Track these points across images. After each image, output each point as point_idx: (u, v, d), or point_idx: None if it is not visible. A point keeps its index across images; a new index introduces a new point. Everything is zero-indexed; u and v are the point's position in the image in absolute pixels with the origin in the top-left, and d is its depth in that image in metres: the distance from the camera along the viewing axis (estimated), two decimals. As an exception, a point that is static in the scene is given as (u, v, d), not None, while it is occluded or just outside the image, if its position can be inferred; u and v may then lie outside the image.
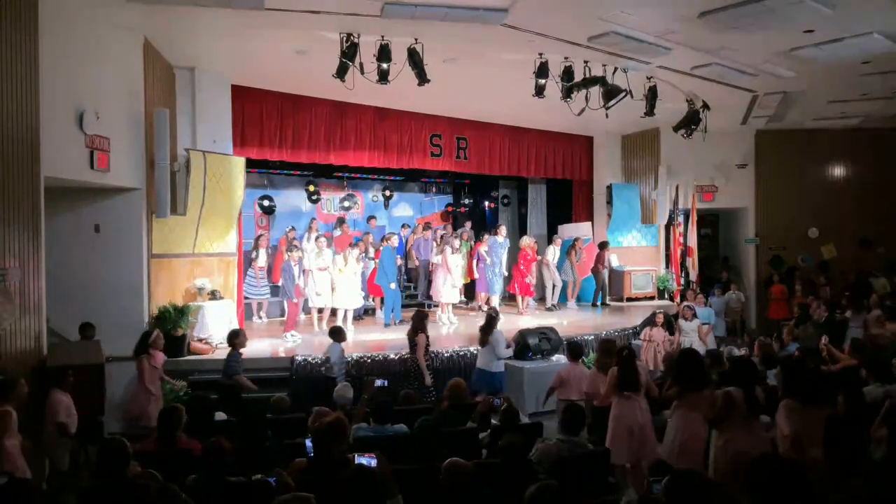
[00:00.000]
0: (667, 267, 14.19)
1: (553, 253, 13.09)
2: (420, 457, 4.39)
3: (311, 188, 13.98)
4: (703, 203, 14.08)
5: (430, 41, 7.92)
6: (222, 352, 8.84)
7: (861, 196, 13.71)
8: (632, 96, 9.19)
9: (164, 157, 7.99)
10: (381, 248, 11.40)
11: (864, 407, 4.91)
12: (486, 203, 16.58)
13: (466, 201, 16.43)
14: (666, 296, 13.99)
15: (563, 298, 13.33)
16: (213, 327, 8.85)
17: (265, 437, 5.11)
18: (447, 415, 5.82)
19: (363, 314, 12.02)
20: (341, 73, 7.90)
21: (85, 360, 6.23)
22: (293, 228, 12.52)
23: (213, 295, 9.10)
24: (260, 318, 11.72)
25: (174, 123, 8.80)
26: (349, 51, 7.71)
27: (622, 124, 13.39)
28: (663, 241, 14.38)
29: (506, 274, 12.47)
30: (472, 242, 13.45)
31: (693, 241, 13.72)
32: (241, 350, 7.44)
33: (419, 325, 7.82)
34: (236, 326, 9.35)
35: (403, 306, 11.93)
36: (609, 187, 14.16)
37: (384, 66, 7.91)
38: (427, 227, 14.02)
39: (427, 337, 7.87)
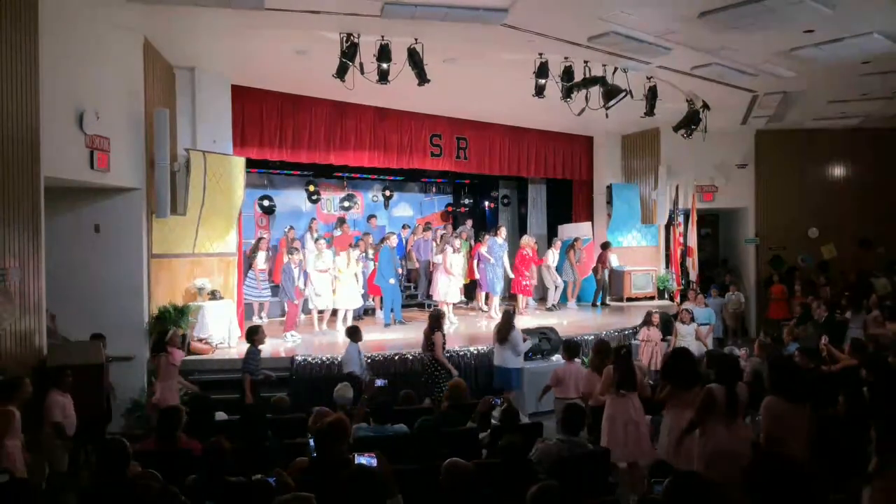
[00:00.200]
0: (667, 267, 14.20)
1: (552, 256, 13.09)
2: (420, 457, 4.39)
3: (311, 188, 13.98)
4: (703, 203, 14.09)
5: (430, 41, 7.92)
6: (222, 352, 8.87)
7: (861, 196, 13.71)
8: (632, 96, 9.19)
9: (164, 157, 7.99)
10: (380, 248, 11.41)
11: (864, 407, 4.92)
12: (486, 203, 16.58)
13: (466, 201, 16.43)
14: (666, 296, 13.99)
15: (563, 298, 13.33)
16: (213, 327, 8.85)
17: (265, 437, 5.12)
18: (447, 415, 5.82)
19: (363, 314, 12.02)
20: (341, 73, 7.90)
21: (85, 360, 6.23)
22: (292, 228, 12.51)
23: (213, 295, 9.10)
24: (260, 318, 11.71)
25: (174, 123, 8.79)
26: (349, 51, 7.71)
27: (622, 124, 13.39)
28: (663, 241, 14.38)
29: (512, 276, 12.44)
30: (472, 242, 13.46)
31: (693, 241, 13.72)
32: (261, 347, 7.48)
33: (435, 324, 7.96)
34: (236, 326, 9.38)
35: (403, 306, 11.94)
36: (609, 187, 14.16)
37: (384, 66, 7.91)
38: (427, 227, 14.01)
39: (444, 335, 8.01)
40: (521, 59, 8.64)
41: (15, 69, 5.75)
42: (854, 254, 13.70)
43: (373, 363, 8.50)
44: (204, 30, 8.09)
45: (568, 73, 8.87)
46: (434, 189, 16.26)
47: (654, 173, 13.90)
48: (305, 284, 10.41)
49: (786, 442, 4.39)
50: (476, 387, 8.22)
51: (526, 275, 12.49)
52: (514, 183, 16.45)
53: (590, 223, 14.57)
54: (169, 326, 8.28)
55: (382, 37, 7.78)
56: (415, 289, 13.70)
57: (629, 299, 13.76)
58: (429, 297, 12.53)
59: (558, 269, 13.15)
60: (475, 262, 12.21)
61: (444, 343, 8.02)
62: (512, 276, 12.34)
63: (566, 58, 8.78)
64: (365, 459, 3.87)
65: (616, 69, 9.20)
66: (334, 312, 10.58)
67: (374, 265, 11.44)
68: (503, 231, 12.44)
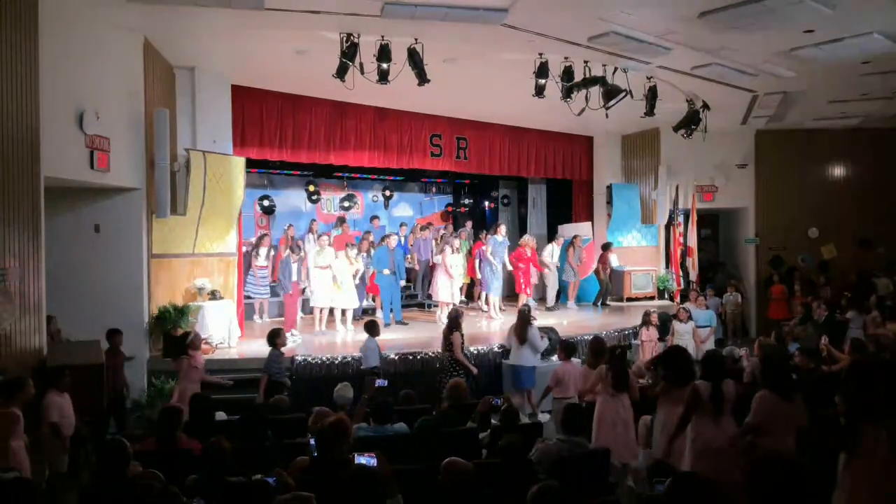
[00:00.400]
0: (667, 267, 14.19)
1: (552, 252, 13.08)
2: (420, 457, 4.39)
3: (311, 188, 13.98)
4: (703, 203, 14.08)
5: (430, 41, 7.92)
6: (222, 352, 8.87)
7: (861, 196, 13.71)
8: (632, 96, 9.19)
9: (164, 157, 7.99)
10: (377, 247, 11.41)
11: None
12: (486, 203, 16.58)
13: (466, 201, 16.43)
14: (666, 296, 13.99)
15: (564, 298, 13.33)
16: (213, 327, 8.84)
17: (265, 437, 5.12)
18: (447, 415, 5.82)
19: (363, 314, 12.01)
20: (341, 73, 7.90)
21: (85, 360, 6.23)
22: (291, 226, 12.50)
23: (213, 295, 9.09)
24: (260, 318, 11.72)
25: (174, 123, 8.80)
26: (349, 51, 7.71)
27: (622, 124, 13.39)
28: (663, 241, 14.38)
29: (510, 268, 12.43)
30: (472, 241, 13.46)
31: (693, 241, 13.71)
32: (283, 349, 7.52)
33: (454, 324, 8.02)
34: (236, 326, 9.38)
35: (403, 306, 11.94)
36: (609, 187, 14.16)
37: (384, 66, 7.91)
38: (425, 227, 14.01)
39: (462, 335, 8.08)
40: (521, 59, 8.64)
41: (15, 69, 5.76)
42: (854, 254, 13.69)
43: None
44: (204, 30, 8.09)
45: (568, 73, 8.87)
46: (434, 189, 16.26)
47: (654, 173, 13.90)
48: (306, 279, 10.42)
49: (774, 435, 4.48)
50: (476, 387, 8.21)
51: (527, 275, 12.50)
52: (514, 183, 16.45)
53: (590, 223, 14.57)
54: (171, 325, 8.30)
55: (382, 37, 7.78)
56: (414, 289, 13.70)
57: (629, 299, 13.75)
58: (429, 297, 12.53)
59: (559, 268, 13.15)
60: (476, 261, 12.21)
61: (463, 342, 8.09)
62: (510, 267, 12.34)
63: (566, 58, 8.78)
64: (365, 459, 3.87)
65: (616, 69, 9.20)
66: (332, 311, 10.58)
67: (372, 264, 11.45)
68: (502, 228, 12.42)
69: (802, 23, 7.68)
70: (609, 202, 14.15)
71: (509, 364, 8.44)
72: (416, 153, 12.43)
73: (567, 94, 9.00)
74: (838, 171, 14.25)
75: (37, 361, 5.99)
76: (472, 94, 11.15)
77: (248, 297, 11.36)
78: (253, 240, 11.97)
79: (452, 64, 8.99)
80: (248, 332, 10.12)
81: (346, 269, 10.37)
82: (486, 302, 12.22)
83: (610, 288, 13.78)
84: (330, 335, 10.23)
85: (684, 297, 12.56)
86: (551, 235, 14.49)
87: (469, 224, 14.70)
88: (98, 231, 7.91)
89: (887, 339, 8.26)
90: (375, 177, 15.00)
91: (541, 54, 8.54)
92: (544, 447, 4.79)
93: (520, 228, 15.89)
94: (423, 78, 8.18)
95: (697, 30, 7.92)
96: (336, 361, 8.42)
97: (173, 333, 8.32)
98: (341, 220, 13.27)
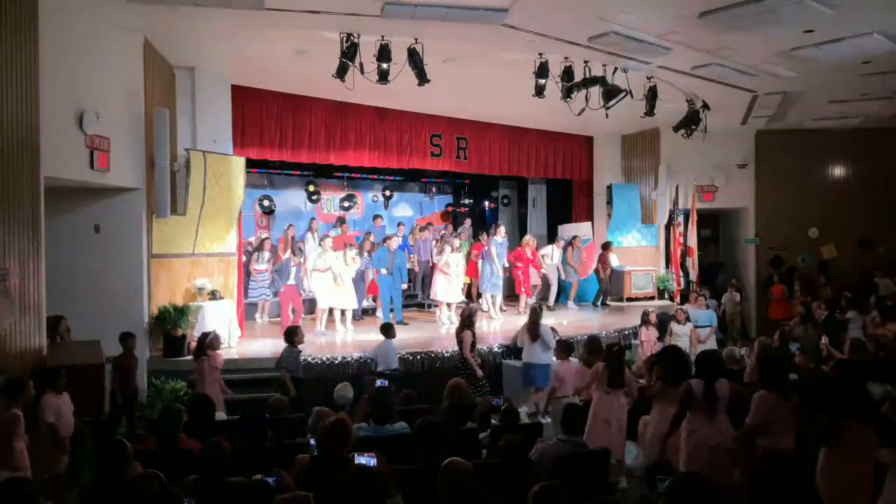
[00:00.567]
0: (667, 267, 14.19)
1: (552, 253, 13.09)
2: (420, 457, 4.39)
3: (311, 188, 13.98)
4: (703, 203, 14.08)
5: (430, 41, 7.92)
6: (222, 352, 8.85)
7: (861, 196, 13.69)
8: (632, 96, 9.19)
9: (164, 157, 7.99)
10: (378, 248, 11.41)
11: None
12: (486, 203, 16.58)
13: (466, 201, 16.42)
14: (666, 296, 13.99)
15: (564, 298, 13.33)
16: (212, 327, 8.81)
17: (265, 437, 5.12)
18: (447, 415, 5.82)
19: (363, 314, 12.02)
20: (341, 73, 7.90)
21: (85, 360, 6.23)
22: (291, 226, 12.50)
23: (213, 295, 9.09)
24: (261, 318, 11.72)
25: (174, 123, 8.79)
26: (349, 51, 7.71)
27: (622, 124, 13.39)
28: (663, 241, 14.38)
29: (506, 265, 12.43)
30: (471, 242, 13.46)
31: (693, 241, 13.71)
32: (300, 346, 7.58)
33: (467, 323, 8.07)
34: (236, 326, 9.38)
35: (403, 306, 11.94)
36: (609, 187, 14.16)
37: (384, 66, 7.91)
38: (425, 228, 14.00)
39: (474, 334, 8.11)
40: (521, 59, 8.64)
41: (15, 69, 5.75)
42: (854, 254, 13.69)
43: (372, 363, 8.49)
44: (204, 30, 8.09)
45: (568, 73, 8.87)
46: (434, 189, 16.25)
47: (654, 173, 13.91)
48: (307, 283, 10.43)
49: (774, 435, 4.54)
50: (475, 388, 8.21)
51: (528, 275, 12.50)
52: (514, 183, 16.45)
53: (590, 223, 14.57)
54: (171, 325, 8.29)
55: (382, 37, 7.78)
56: (414, 289, 13.70)
57: (629, 299, 13.75)
58: (428, 297, 12.53)
59: (560, 269, 13.14)
60: (479, 261, 12.20)
61: (474, 341, 8.12)
62: (506, 264, 12.34)
63: (566, 58, 8.78)
64: (364, 459, 3.87)
65: (616, 69, 9.20)
66: (332, 312, 10.57)
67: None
68: (501, 230, 12.43)
69: (802, 23, 7.68)
70: (609, 202, 14.14)
71: (522, 362, 8.43)
72: (416, 153, 12.43)
73: (567, 94, 9.00)
74: (838, 171, 14.24)
75: (37, 361, 5.99)
76: (472, 94, 11.15)
77: (254, 299, 11.38)
78: (253, 240, 11.97)
79: (452, 64, 8.99)
80: (248, 332, 10.13)
81: (345, 270, 10.37)
82: (487, 302, 12.22)
83: (610, 288, 13.77)
84: (330, 335, 10.23)
85: (684, 298, 12.55)
86: (551, 235, 14.50)
87: (468, 223, 14.70)
88: (98, 231, 7.91)
89: (887, 339, 8.28)
90: (375, 177, 15.00)
91: (541, 54, 8.54)
92: (544, 447, 4.79)
93: (520, 228, 15.89)
94: (423, 78, 8.18)
95: (697, 30, 7.92)
96: (336, 361, 8.43)
97: (173, 334, 8.33)
98: (341, 221, 13.27)
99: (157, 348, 8.48)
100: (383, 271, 10.99)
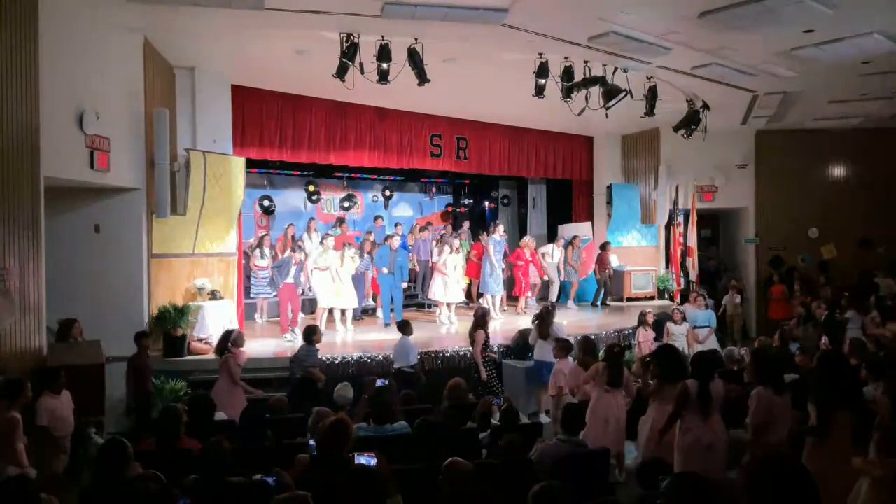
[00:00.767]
0: (667, 267, 14.19)
1: (552, 253, 13.09)
2: (420, 457, 4.39)
3: (311, 188, 13.99)
4: (703, 203, 14.07)
5: (430, 41, 7.92)
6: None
7: (861, 196, 13.69)
8: (632, 96, 9.19)
9: (164, 157, 7.99)
10: (379, 247, 11.41)
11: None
12: (486, 203, 16.58)
13: (466, 201, 16.42)
14: (666, 296, 13.99)
15: (564, 298, 13.33)
16: (212, 327, 8.83)
17: (265, 437, 5.12)
18: (447, 415, 5.83)
19: (363, 314, 12.02)
20: (341, 73, 7.90)
21: (85, 360, 6.23)
22: (292, 225, 12.50)
23: (213, 295, 9.09)
24: (261, 317, 11.72)
25: (174, 123, 8.79)
26: (349, 51, 7.71)
27: (622, 124, 13.38)
28: (663, 241, 14.38)
29: (508, 265, 12.44)
30: (471, 242, 13.46)
31: (693, 241, 13.70)
32: (318, 345, 7.67)
33: (480, 322, 8.13)
34: (236, 326, 9.37)
35: (403, 306, 11.93)
36: (609, 187, 14.15)
37: (384, 66, 7.91)
38: (425, 228, 14.00)
39: (486, 334, 8.14)
40: (521, 59, 8.64)
41: (15, 69, 5.75)
42: (854, 254, 13.68)
43: (372, 363, 8.50)
44: (204, 30, 8.09)
45: (568, 73, 8.87)
46: (434, 189, 16.26)
47: (654, 173, 13.90)
48: (307, 281, 10.42)
49: (773, 431, 4.67)
50: (477, 389, 8.21)
51: (527, 275, 12.50)
52: (514, 183, 16.45)
53: (590, 223, 14.58)
54: (171, 325, 8.29)
55: (382, 37, 7.78)
56: (415, 289, 13.70)
57: (629, 299, 13.74)
58: (428, 297, 12.53)
59: (560, 269, 13.14)
60: (483, 261, 12.20)
61: (487, 341, 8.13)
62: (504, 265, 12.35)
63: (566, 58, 8.77)
64: (364, 459, 3.88)
65: (616, 69, 9.20)
66: (332, 312, 10.57)
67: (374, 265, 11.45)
68: (500, 228, 12.44)
69: (802, 23, 7.67)
70: (609, 202, 14.14)
71: (533, 361, 8.47)
72: (416, 153, 12.43)
73: (567, 94, 9.00)
74: (838, 171, 14.24)
75: (37, 361, 5.99)
76: (472, 94, 11.15)
77: (252, 298, 11.38)
78: (252, 241, 11.97)
79: (452, 64, 8.99)
80: (248, 332, 10.09)
81: (344, 269, 10.37)
82: (487, 302, 12.22)
83: (609, 287, 13.76)
84: (330, 335, 10.20)
85: (684, 298, 12.55)
86: (551, 235, 14.50)
87: (467, 224, 14.70)
88: (98, 231, 7.91)
89: (887, 339, 8.28)
90: (375, 177, 15.01)
91: (541, 54, 8.54)
92: (544, 447, 4.80)
93: (520, 228, 15.89)
94: (423, 78, 8.18)
95: (697, 30, 7.92)
96: (336, 361, 8.42)
97: (173, 334, 8.33)
98: (340, 221, 13.26)
99: (157, 348, 8.46)
100: (384, 270, 10.98)
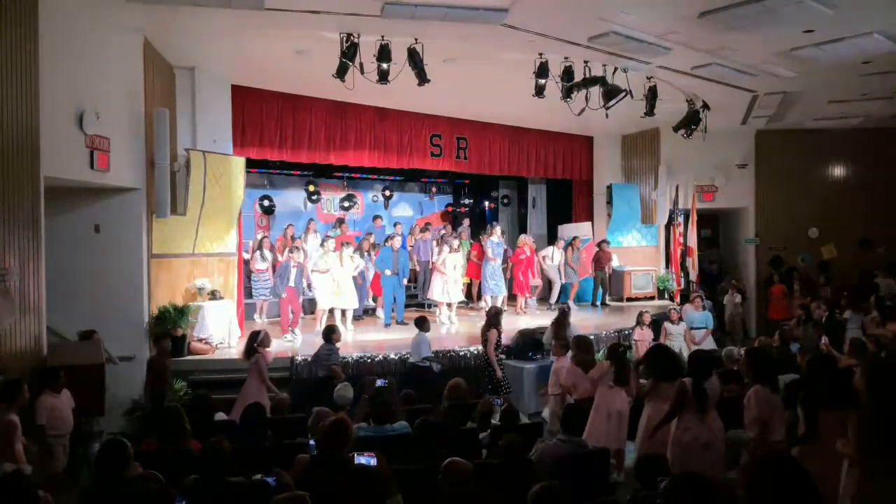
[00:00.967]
0: (667, 267, 14.19)
1: (552, 254, 13.09)
2: (420, 457, 4.39)
3: (311, 188, 13.98)
4: (703, 203, 14.08)
5: (430, 41, 7.92)
6: (222, 352, 8.86)
7: (861, 196, 13.70)
8: (632, 96, 9.19)
9: (164, 157, 7.99)
10: (381, 247, 11.41)
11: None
12: (486, 203, 16.58)
13: (466, 201, 16.42)
14: (666, 296, 13.99)
15: (564, 298, 13.32)
16: (212, 327, 8.84)
17: (265, 437, 5.11)
18: (447, 415, 5.82)
19: (363, 314, 12.01)
20: (341, 73, 7.90)
21: (85, 360, 6.23)
22: (291, 225, 12.50)
23: (213, 295, 9.09)
24: (260, 318, 11.71)
25: (174, 123, 8.79)
26: (349, 51, 7.71)
27: (622, 124, 13.38)
28: (663, 241, 14.38)
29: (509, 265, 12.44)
30: (471, 242, 13.45)
31: (693, 241, 13.71)
32: (337, 344, 7.80)
33: (493, 321, 8.13)
34: (236, 326, 9.39)
35: (405, 306, 11.93)
36: (609, 187, 14.15)
37: (384, 66, 7.91)
38: (425, 228, 14.00)
39: (499, 333, 8.14)
40: (521, 59, 8.64)
41: (15, 69, 5.75)
42: (854, 254, 13.69)
43: (372, 363, 8.50)
44: (204, 30, 8.08)
45: (568, 73, 8.87)
46: (434, 189, 16.25)
47: (654, 173, 13.91)
48: (307, 284, 10.41)
49: (772, 428, 4.73)
50: (477, 387, 8.22)
51: (526, 275, 12.49)
52: (514, 183, 16.45)
53: (590, 223, 14.58)
54: (171, 325, 8.29)
55: (382, 37, 7.78)
56: (415, 289, 13.70)
57: (629, 299, 13.75)
58: (428, 297, 12.53)
59: (561, 271, 13.14)
60: (483, 262, 12.21)
61: (499, 340, 8.17)
62: (507, 265, 12.36)
63: (566, 58, 8.78)
64: (364, 459, 3.87)
65: (616, 69, 9.20)
66: (332, 312, 10.57)
67: (374, 265, 11.44)
68: (498, 229, 12.44)
69: (802, 23, 7.68)
70: (609, 202, 14.14)
71: (550, 360, 8.45)
72: (416, 153, 12.43)
73: (567, 94, 9.00)
74: (838, 171, 14.24)
75: (36, 361, 5.99)
76: (472, 94, 11.15)
77: (251, 296, 11.38)
78: (252, 243, 11.97)
79: (452, 64, 8.99)
80: (248, 331, 10.10)
81: (344, 270, 10.36)
82: (486, 302, 12.22)
83: (607, 285, 13.71)
84: (330, 335, 10.22)
85: (684, 298, 12.54)
86: (551, 235, 14.51)
87: (466, 223, 14.70)
88: (98, 231, 7.90)
89: (887, 339, 8.27)
90: (375, 177, 15.01)
91: (541, 54, 8.54)
92: (544, 447, 4.80)
93: (520, 228, 15.89)
94: (423, 78, 8.18)
95: (697, 30, 7.92)
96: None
97: (173, 334, 8.32)
98: (340, 221, 13.26)
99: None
100: (387, 272, 10.99)
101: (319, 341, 9.65)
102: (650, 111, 10.05)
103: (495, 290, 11.96)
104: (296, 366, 8.35)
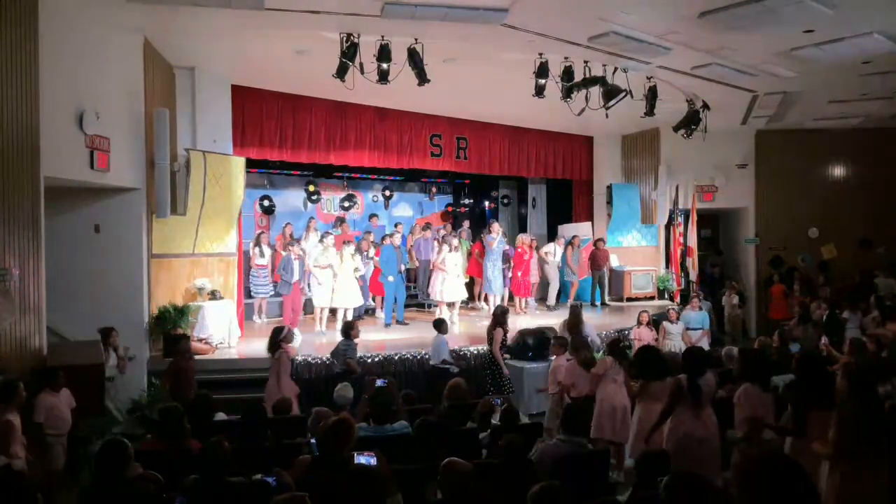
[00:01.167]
0: (667, 267, 14.19)
1: (554, 251, 13.09)
2: (420, 457, 4.38)
3: (311, 188, 13.98)
4: (703, 203, 14.07)
5: (430, 41, 7.92)
6: (222, 352, 8.86)
7: (861, 196, 13.69)
8: (632, 96, 9.19)
9: (164, 157, 7.99)
10: (382, 246, 11.40)
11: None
12: (486, 203, 16.58)
13: (466, 201, 16.42)
14: (666, 296, 13.99)
15: (564, 298, 13.32)
16: (212, 327, 8.84)
17: (265, 437, 5.11)
18: (447, 415, 5.82)
19: (363, 314, 12.01)
20: (341, 73, 7.90)
21: (85, 360, 6.23)
22: (289, 224, 12.49)
23: (213, 295, 9.10)
24: (260, 317, 11.71)
25: (174, 123, 8.80)
26: (349, 51, 7.71)
27: (622, 124, 13.38)
28: (663, 241, 14.38)
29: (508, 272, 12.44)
30: (471, 241, 13.45)
31: (693, 241, 13.71)
32: (356, 340, 7.94)
33: (499, 320, 8.17)
34: (236, 326, 9.38)
35: (405, 306, 11.93)
36: (609, 187, 14.15)
37: (384, 66, 7.91)
38: (426, 227, 14.01)
39: (505, 332, 8.16)
40: (521, 59, 8.64)
41: (15, 69, 5.76)
42: (854, 254, 13.68)
43: (372, 363, 8.50)
44: (204, 30, 8.09)
45: (568, 73, 8.87)
46: (434, 189, 16.25)
47: (654, 173, 13.90)
48: (307, 281, 10.41)
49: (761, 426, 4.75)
50: (477, 387, 8.22)
51: (526, 274, 12.49)
52: (514, 183, 16.45)
53: (590, 223, 14.58)
54: (171, 325, 8.29)
55: (382, 37, 7.78)
56: (415, 288, 13.70)
57: (629, 299, 13.75)
58: (428, 296, 12.54)
59: (560, 269, 13.14)
60: (485, 261, 12.21)
61: (505, 339, 8.20)
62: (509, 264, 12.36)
63: (566, 58, 8.77)
64: (365, 459, 3.87)
65: (616, 69, 9.20)
66: (333, 311, 10.57)
67: (375, 263, 11.43)
68: (496, 227, 12.44)
69: (802, 23, 7.67)
70: (609, 202, 14.13)
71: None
72: (416, 153, 12.44)
73: (567, 94, 9.00)
74: (838, 171, 14.24)
75: (37, 361, 5.99)
76: (472, 94, 11.15)
77: (251, 297, 11.38)
78: (251, 241, 11.97)
79: (452, 64, 8.99)
80: (248, 331, 10.12)
81: (345, 268, 10.36)
82: (486, 301, 12.23)
83: (604, 283, 13.69)
84: (330, 335, 10.21)
85: (684, 298, 12.54)
86: (551, 235, 14.49)
87: (466, 223, 14.70)
88: (98, 231, 7.91)
89: (887, 339, 8.27)
90: (375, 177, 15.01)
91: (541, 54, 8.54)
92: (544, 447, 4.79)
93: (520, 228, 15.88)
94: (423, 78, 8.18)
95: (697, 30, 7.92)
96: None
97: (173, 333, 8.33)
98: (340, 221, 13.26)
99: (157, 348, 8.47)
100: (390, 279, 10.99)
101: (319, 341, 9.72)
102: (650, 111, 10.05)
103: (497, 290, 11.96)
104: (296, 366, 8.34)
